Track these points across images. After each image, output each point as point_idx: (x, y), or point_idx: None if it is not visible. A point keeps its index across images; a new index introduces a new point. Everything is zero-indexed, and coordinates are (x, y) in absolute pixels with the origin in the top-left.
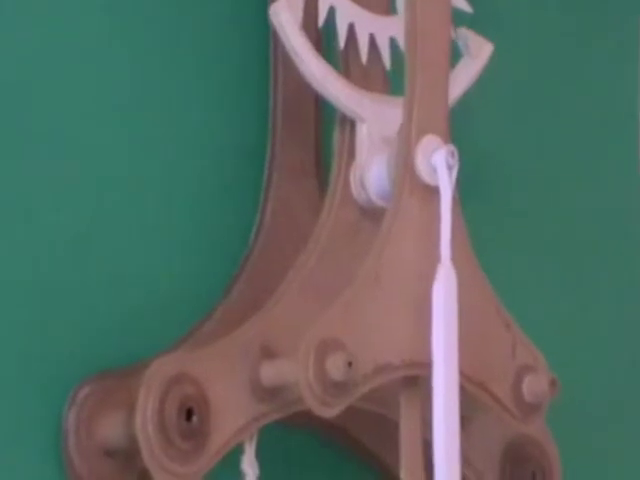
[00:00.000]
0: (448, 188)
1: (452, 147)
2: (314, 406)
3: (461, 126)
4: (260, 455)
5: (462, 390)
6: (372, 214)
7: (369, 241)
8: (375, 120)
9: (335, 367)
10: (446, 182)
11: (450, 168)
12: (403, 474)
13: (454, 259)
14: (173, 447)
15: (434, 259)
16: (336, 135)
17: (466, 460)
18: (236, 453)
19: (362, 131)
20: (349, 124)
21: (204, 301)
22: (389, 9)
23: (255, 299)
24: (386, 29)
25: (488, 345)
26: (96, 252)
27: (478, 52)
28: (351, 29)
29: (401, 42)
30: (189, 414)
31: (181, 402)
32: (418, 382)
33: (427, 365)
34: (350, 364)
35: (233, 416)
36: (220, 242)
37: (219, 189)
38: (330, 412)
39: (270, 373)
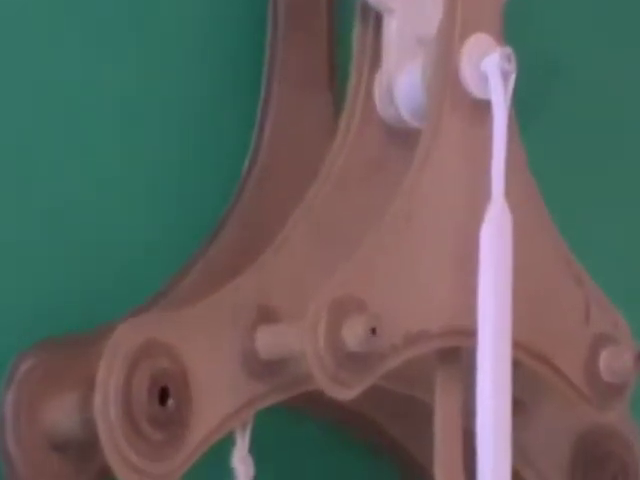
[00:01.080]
0: (502, 103)
1: (508, 50)
2: (326, 385)
3: (519, 24)
4: (256, 448)
5: (517, 366)
6: (402, 137)
7: (398, 172)
8: (408, 13)
9: (354, 334)
10: (500, 95)
11: (505, 77)
12: (437, 471)
13: (509, 195)
14: (142, 438)
15: (483, 195)
16: (356, 32)
17: (524, 458)
18: (225, 446)
19: (391, 27)
20: (373, 18)
21: (186, 251)
22: None
23: (249, 247)
24: None
25: (553, 307)
26: (41, 181)
27: None
28: None
29: None
30: (163, 396)
31: (153, 380)
32: (459, 356)
33: (472, 333)
34: (374, 331)
35: (221, 398)
36: (206, 175)
37: (206, 103)
38: (347, 393)
39: (269, 342)
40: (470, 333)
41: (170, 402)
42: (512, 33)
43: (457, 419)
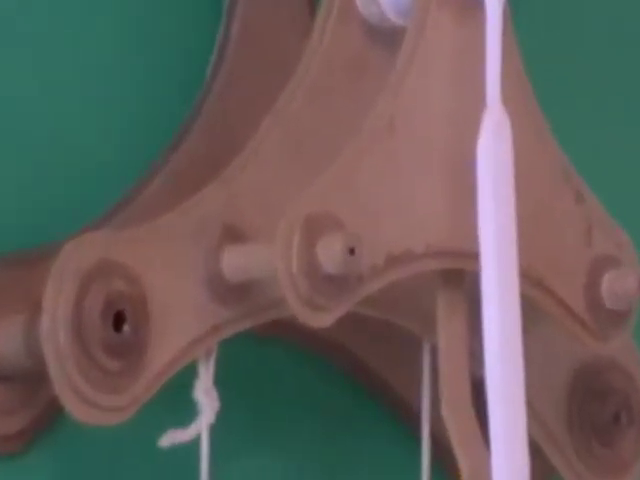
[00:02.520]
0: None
1: None
2: (299, 310)
3: None
4: (221, 379)
5: None
6: (386, 37)
7: (380, 75)
8: None
9: (330, 254)
10: None
11: None
12: (445, 410)
13: (506, 101)
14: (95, 367)
15: (477, 101)
16: None
17: None
18: (187, 377)
19: None
20: None
21: (146, 164)
22: None
23: (215, 158)
24: None
25: (550, 226)
26: None
27: None
28: None
29: None
30: (118, 320)
31: (107, 302)
32: (461, 280)
33: (468, 255)
34: (352, 251)
35: (182, 324)
36: (166, 76)
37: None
38: (322, 319)
39: (236, 263)
40: (466, 255)
41: (126, 328)
42: None
43: (464, 352)
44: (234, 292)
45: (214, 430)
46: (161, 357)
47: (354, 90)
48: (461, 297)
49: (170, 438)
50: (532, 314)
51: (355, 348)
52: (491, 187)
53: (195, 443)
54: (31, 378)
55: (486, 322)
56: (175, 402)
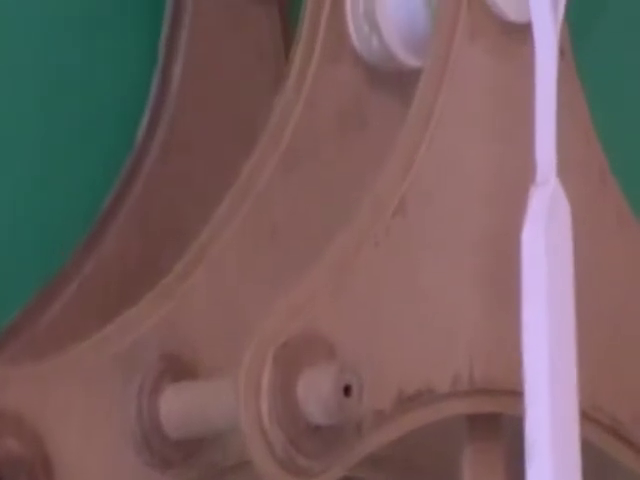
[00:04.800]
0: (550, 27)
1: None
2: (273, 475)
3: None
4: None
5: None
6: (389, 80)
7: (382, 133)
8: None
9: (316, 395)
10: (546, 15)
11: None
12: None
13: (566, 171)
14: None
15: (522, 172)
16: None
17: None
18: None
19: None
20: None
21: (55, 260)
22: None
23: (148, 258)
24: None
25: (632, 347)
26: None
27: None
28: None
29: None
30: None
31: None
32: (497, 426)
33: (511, 394)
34: (348, 390)
35: None
36: (86, 143)
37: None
38: None
39: (180, 409)
40: (507, 393)
41: None
42: None
43: None
44: (178, 450)
45: None
46: None
47: (347, 154)
48: (496, 450)
49: None
50: (603, 469)
51: None
52: (543, 296)
53: None
54: None
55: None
56: None
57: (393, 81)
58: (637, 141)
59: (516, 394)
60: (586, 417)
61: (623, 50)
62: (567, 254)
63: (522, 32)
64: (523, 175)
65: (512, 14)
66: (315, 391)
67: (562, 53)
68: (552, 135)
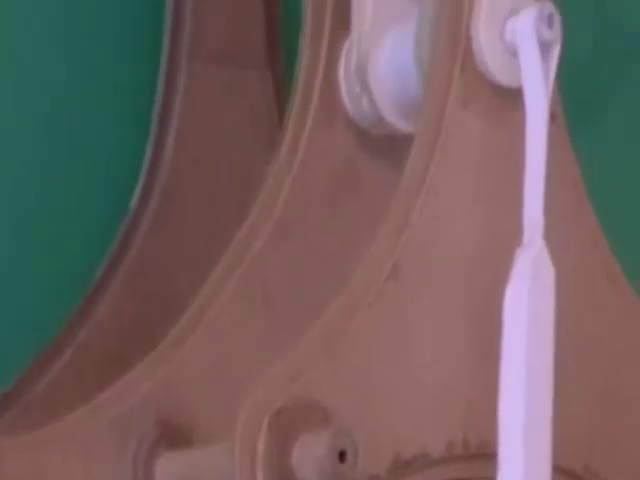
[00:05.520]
0: (541, 91)
1: (549, 6)
2: None
3: None
4: None
5: None
6: (381, 145)
7: (375, 196)
8: None
9: (311, 461)
10: (537, 78)
11: (545, 49)
12: None
13: (552, 233)
14: None
15: (510, 234)
16: None
17: None
18: None
19: None
20: None
21: (51, 327)
22: None
23: (142, 324)
24: None
25: (621, 409)
26: None
27: None
28: None
29: None
30: None
31: None
32: None
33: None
34: (343, 455)
35: None
36: (82, 208)
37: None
38: None
39: (175, 478)
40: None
41: None
42: None
43: None
44: None
45: None
46: None
47: (339, 218)
48: None
49: None
50: None
51: None
52: (521, 355)
53: None
54: None
55: None
56: None
57: (385, 145)
58: (628, 202)
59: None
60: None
61: (614, 113)
62: (548, 317)
63: (513, 96)
64: (512, 238)
65: (504, 79)
66: (310, 457)
67: (553, 117)
68: (540, 198)
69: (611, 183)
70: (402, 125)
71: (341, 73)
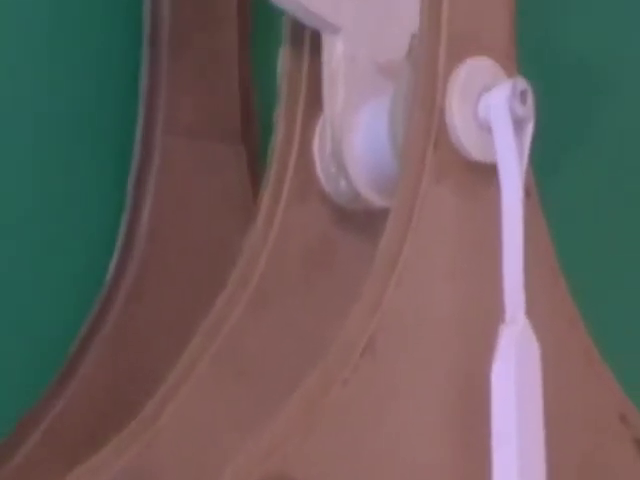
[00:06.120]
0: (515, 167)
1: (522, 82)
2: None
3: (541, 39)
4: None
5: None
6: (357, 219)
7: (350, 270)
8: (361, 30)
9: None
10: (511, 154)
11: (519, 126)
12: None
13: (531, 309)
14: None
15: (490, 310)
16: (284, 59)
17: None
18: None
19: (335, 52)
20: (309, 38)
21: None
22: None
23: (121, 390)
24: None
25: None
26: None
27: None
28: None
29: None
30: None
31: None
32: None
33: None
34: None
35: None
36: (55, 283)
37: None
38: None
39: None
40: None
41: None
42: (531, 54)
43: None
44: None
45: None
46: None
47: (315, 293)
48: None
49: None
50: None
51: None
52: (513, 432)
53: None
54: None
55: None
56: None
57: (360, 220)
58: (602, 278)
59: None
60: None
61: (588, 189)
62: (537, 393)
63: (488, 172)
64: (491, 314)
65: (478, 154)
66: None
67: (528, 193)
68: (520, 274)
69: (581, 258)
70: (378, 200)
71: (316, 150)
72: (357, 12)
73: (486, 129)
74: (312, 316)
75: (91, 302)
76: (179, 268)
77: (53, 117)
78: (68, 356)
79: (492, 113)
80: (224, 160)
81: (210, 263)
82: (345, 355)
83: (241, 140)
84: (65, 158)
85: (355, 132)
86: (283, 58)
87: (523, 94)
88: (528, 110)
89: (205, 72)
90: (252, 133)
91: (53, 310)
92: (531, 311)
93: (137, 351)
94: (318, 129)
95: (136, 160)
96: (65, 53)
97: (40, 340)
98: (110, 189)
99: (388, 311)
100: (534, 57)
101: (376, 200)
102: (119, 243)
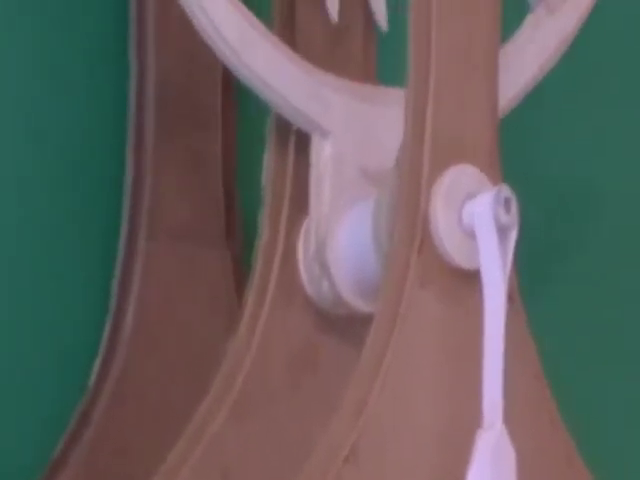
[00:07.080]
0: (498, 274)
1: (506, 190)
2: None
3: (523, 147)
4: None
5: None
6: (340, 324)
7: (336, 379)
8: (350, 134)
9: None
10: (494, 262)
11: (502, 233)
12: None
13: (511, 416)
14: None
15: (470, 417)
16: (268, 162)
17: None
18: None
19: (323, 155)
20: (294, 140)
21: None
22: None
23: None
24: None
25: None
26: None
27: (562, 3)
28: None
29: None
30: None
31: None
32: None
33: None
34: None
35: None
36: (36, 396)
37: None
38: None
39: None
40: None
41: None
42: (514, 163)
43: None
44: None
45: None
46: None
47: (298, 398)
48: None
49: None
50: None
51: None
52: None
53: None
54: None
55: None
56: None
57: (344, 325)
58: (586, 379)
59: None
60: None
61: (572, 294)
62: None
63: (472, 278)
64: (472, 420)
65: (462, 261)
66: None
67: (511, 299)
68: (499, 381)
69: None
70: (361, 305)
71: (300, 254)
72: (347, 117)
73: (470, 235)
74: (296, 421)
75: (74, 405)
76: (162, 371)
77: (36, 227)
78: (51, 461)
79: (476, 220)
80: (208, 264)
81: (193, 367)
82: (328, 462)
83: (225, 244)
84: (49, 260)
85: (339, 234)
86: (268, 160)
87: (507, 202)
88: (512, 218)
89: (189, 177)
90: (236, 237)
91: (36, 412)
92: (512, 415)
93: (119, 455)
94: (302, 232)
95: (119, 264)
96: (48, 165)
97: (26, 442)
98: (94, 292)
99: (371, 417)
100: (518, 164)
101: (358, 304)
102: (101, 349)
